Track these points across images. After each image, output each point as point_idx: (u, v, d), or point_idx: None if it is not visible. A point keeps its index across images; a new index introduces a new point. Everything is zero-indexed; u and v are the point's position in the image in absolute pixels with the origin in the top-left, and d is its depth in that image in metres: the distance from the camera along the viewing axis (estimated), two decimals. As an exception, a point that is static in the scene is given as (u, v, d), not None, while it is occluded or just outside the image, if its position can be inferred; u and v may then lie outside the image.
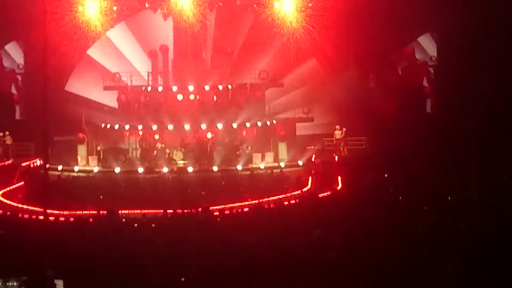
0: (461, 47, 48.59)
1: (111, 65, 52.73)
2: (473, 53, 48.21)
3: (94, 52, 51.85)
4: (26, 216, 35.25)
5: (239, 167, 46.92)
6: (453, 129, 47.42)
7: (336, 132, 50.29)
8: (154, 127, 49.91)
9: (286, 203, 37.28)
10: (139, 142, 50.23)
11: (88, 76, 52.65)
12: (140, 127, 50.21)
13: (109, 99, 52.36)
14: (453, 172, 39.09)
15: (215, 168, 46.75)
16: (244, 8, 51.57)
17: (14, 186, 42.88)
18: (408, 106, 52.05)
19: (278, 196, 38.94)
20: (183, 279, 20.90)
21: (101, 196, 40.26)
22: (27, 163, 46.89)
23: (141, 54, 52.87)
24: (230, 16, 52.13)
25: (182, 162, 48.89)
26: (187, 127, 49.61)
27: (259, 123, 50.61)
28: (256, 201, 37.09)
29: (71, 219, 34.30)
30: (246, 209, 36.16)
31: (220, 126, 49.88)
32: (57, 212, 34.81)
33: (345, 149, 49.79)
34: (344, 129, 49.95)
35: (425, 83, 55.27)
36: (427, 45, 55.45)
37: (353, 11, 47.35)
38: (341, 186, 41.09)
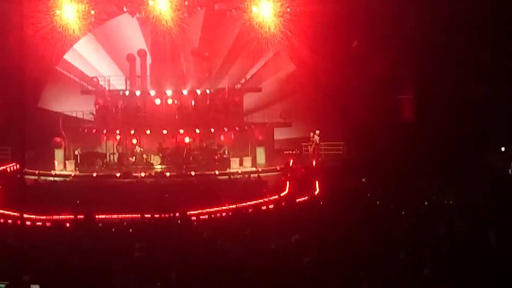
0: (439, 54, 48.82)
1: (88, 69, 52.59)
2: (451, 60, 48.46)
3: (71, 56, 51.68)
4: (2, 220, 35.07)
5: (217, 171, 46.90)
6: (430, 135, 47.62)
7: (315, 136, 50.43)
8: (132, 131, 49.82)
9: (263, 207, 37.29)
10: (116, 146, 50.12)
11: (65, 80, 52.45)
12: (117, 131, 50.10)
13: (87, 104, 52.09)
14: (430, 177, 39.26)
15: (192, 173, 46.70)
16: (223, 13, 51.58)
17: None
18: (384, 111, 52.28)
19: (255, 201, 38.95)
20: (159, 284, 20.86)
21: (78, 201, 40.08)
22: (4, 167, 46.61)
23: (119, 58, 52.67)
24: (208, 21, 52.14)
25: (159, 166, 48.87)
26: (165, 131, 49.56)
27: (237, 128, 50.63)
28: (234, 206, 37.09)
29: (48, 223, 34.13)
30: (224, 214, 36.16)
31: (198, 130, 49.86)
32: (34, 216, 34.63)
33: (315, 153, 49.89)
34: (317, 132, 50.17)
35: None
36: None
37: (331, 16, 47.44)
38: (319, 191, 41.16)
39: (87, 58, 52.62)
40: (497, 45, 47.49)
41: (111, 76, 51.87)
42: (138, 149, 49.54)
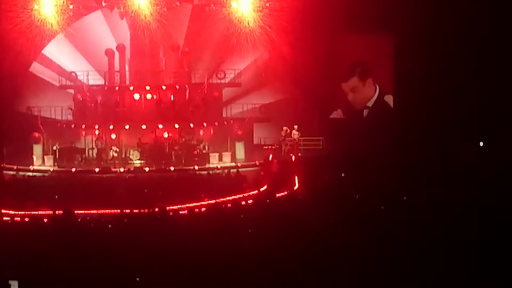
0: (420, 47, 48.94)
1: (67, 64, 52.35)
2: (429, 53, 48.60)
3: (50, 51, 51.42)
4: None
5: (196, 167, 46.87)
6: (408, 130, 47.76)
7: (294, 132, 50.61)
8: (111, 126, 49.67)
9: (243, 203, 37.33)
10: (95, 141, 49.98)
11: (44, 75, 52.25)
12: (96, 126, 49.96)
13: (65, 99, 51.91)
14: (409, 172, 39.39)
15: (172, 168, 46.64)
16: (202, 8, 51.47)
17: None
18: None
19: (235, 196, 38.99)
20: (138, 279, 20.83)
21: (56, 196, 39.96)
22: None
23: (98, 53, 52.38)
24: (187, 15, 52.05)
25: (139, 162, 48.76)
26: (144, 126, 49.46)
27: (216, 123, 50.62)
28: (213, 201, 37.11)
29: (26, 219, 34.00)
30: (203, 209, 36.16)
31: (177, 125, 49.78)
32: (12, 212, 34.51)
33: (295, 148, 50.03)
34: (295, 127, 50.40)
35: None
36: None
37: (311, 11, 47.47)
38: (298, 186, 41.24)
39: (67, 52, 52.28)
40: (476, 39, 47.66)
41: (90, 71, 51.67)
42: (114, 148, 49.37)
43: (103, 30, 52.44)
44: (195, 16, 51.83)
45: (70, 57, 52.41)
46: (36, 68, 52.09)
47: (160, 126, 49.73)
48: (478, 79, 47.66)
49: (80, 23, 51.15)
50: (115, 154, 49.13)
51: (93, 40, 52.38)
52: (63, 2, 48.68)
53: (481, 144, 47.94)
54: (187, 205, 36.83)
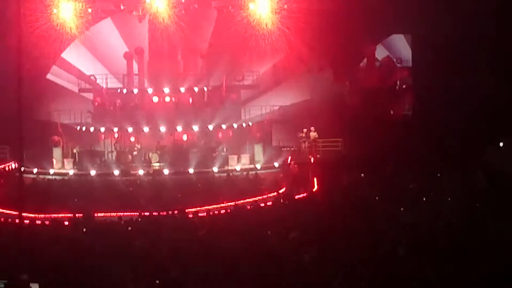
0: (435, 49, 48.82)
1: (86, 68, 52.52)
2: (448, 54, 48.48)
3: (69, 54, 51.61)
4: (1, 219, 35.06)
5: (215, 169, 46.90)
6: (429, 130, 47.63)
7: (311, 133, 50.53)
8: (130, 129, 49.81)
9: (262, 205, 37.33)
10: (114, 144, 50.13)
11: (63, 79, 52.46)
12: (115, 129, 50.10)
13: (84, 102, 52.16)
14: (428, 174, 39.28)
15: (191, 170, 46.69)
16: (220, 10, 51.53)
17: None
18: (375, 107, 52.37)
19: (254, 198, 38.99)
20: (157, 281, 20.90)
21: (76, 199, 40.11)
22: (2, 166, 46.58)
23: (117, 56, 52.52)
24: (205, 18, 52.10)
25: (158, 164, 48.83)
26: (163, 129, 49.57)
27: (235, 125, 50.64)
28: (232, 203, 37.13)
29: (47, 222, 34.15)
30: (222, 211, 36.20)
31: (196, 128, 49.85)
32: (33, 215, 34.65)
33: (313, 149, 50.02)
34: (312, 128, 50.41)
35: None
36: (400, 46, 56.26)
37: (328, 12, 47.43)
38: (317, 188, 41.19)
39: (86, 55, 52.44)
40: (495, 37, 47.52)
41: (109, 74, 51.82)
42: (139, 145, 49.55)
43: (114, 35, 52.51)
44: (213, 18, 51.90)
45: (86, 61, 52.53)
46: (56, 72, 52.30)
47: (179, 128, 49.80)
48: (500, 78, 47.57)
49: (93, 29, 51.21)
50: (135, 152, 49.32)
51: (106, 44, 52.44)
52: (82, 6, 48.86)
53: (501, 144, 47.71)
54: (206, 207, 36.85)
